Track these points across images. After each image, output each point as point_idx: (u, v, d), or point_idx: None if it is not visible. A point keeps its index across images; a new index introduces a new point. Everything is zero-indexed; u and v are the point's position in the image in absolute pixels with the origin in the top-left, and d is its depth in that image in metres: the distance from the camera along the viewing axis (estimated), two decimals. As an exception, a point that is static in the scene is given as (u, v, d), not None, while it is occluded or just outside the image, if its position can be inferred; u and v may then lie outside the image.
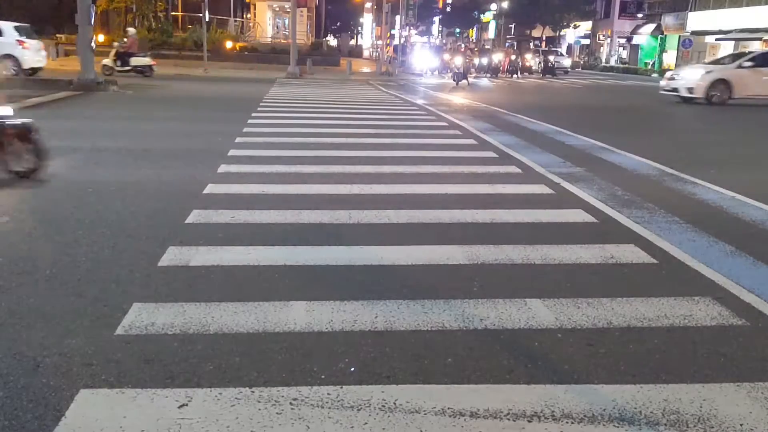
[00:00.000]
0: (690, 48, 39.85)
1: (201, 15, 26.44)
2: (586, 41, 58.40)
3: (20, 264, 4.00)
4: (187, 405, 2.54)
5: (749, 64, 18.44)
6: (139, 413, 2.48)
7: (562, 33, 59.19)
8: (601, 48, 55.70)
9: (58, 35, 33.56)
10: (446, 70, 30.35)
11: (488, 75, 32.86)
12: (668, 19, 45.26)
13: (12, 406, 2.50)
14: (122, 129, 9.85)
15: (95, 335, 3.10)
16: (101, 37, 27.98)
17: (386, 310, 3.50)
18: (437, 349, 3.09)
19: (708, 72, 18.86)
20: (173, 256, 4.24)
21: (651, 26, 48.45)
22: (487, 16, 77.64)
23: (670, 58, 45.58)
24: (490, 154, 8.83)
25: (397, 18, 45.65)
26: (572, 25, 56.24)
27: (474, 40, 76.72)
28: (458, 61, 25.99)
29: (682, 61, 43.09)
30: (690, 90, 18.45)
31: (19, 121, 6.00)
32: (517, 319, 3.45)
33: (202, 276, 3.92)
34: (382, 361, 2.95)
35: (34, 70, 18.46)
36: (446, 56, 32.51)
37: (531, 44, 54.52)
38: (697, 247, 4.87)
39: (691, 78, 18.74)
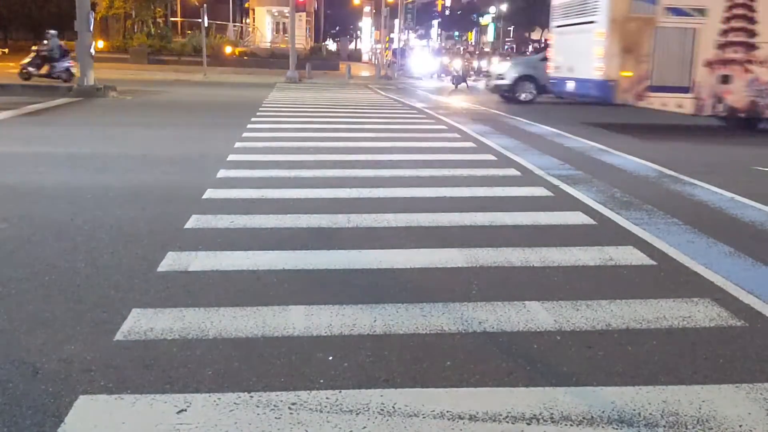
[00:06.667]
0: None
1: (200, 20, 26.50)
2: (585, 43, 58.39)
3: (19, 270, 4.00)
4: (185, 410, 2.55)
5: None
6: (138, 419, 2.48)
7: (561, 35, 59.21)
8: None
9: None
10: (445, 74, 30.39)
11: (488, 77, 32.88)
12: (667, 21, 45.31)
13: (11, 412, 2.50)
14: (121, 134, 9.86)
15: (94, 341, 3.10)
16: (101, 44, 28.06)
17: (385, 313, 3.50)
18: (436, 353, 3.09)
19: (514, 66, 17.58)
20: (172, 261, 4.24)
21: (650, 27, 48.46)
22: (485, 20, 77.69)
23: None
24: (489, 156, 8.84)
25: (396, 22, 45.70)
26: (571, 27, 56.26)
27: (473, 44, 76.77)
28: (457, 64, 26.03)
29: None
30: (498, 87, 17.15)
31: None
32: (515, 322, 3.45)
33: (201, 281, 3.92)
34: (381, 365, 2.95)
35: None
36: (445, 59, 32.55)
37: (530, 47, 54.54)
38: (696, 248, 4.87)
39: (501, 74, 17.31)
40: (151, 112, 13.53)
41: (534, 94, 16.91)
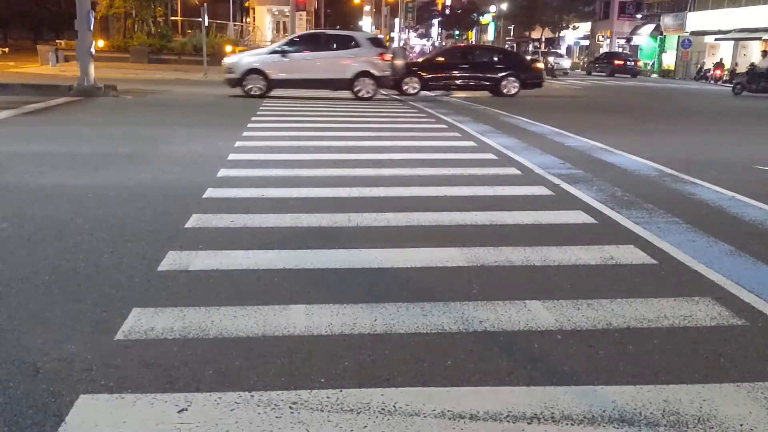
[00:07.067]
0: (689, 48, 39.88)
1: (200, 20, 26.47)
2: (586, 42, 58.44)
3: (19, 270, 4.00)
4: (186, 410, 2.54)
5: (288, 48, 17.02)
6: (139, 418, 2.48)
7: (561, 34, 59.24)
8: (601, 49, 55.72)
9: (58, 41, 33.66)
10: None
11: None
12: (667, 20, 45.28)
13: (12, 412, 2.50)
14: (121, 134, 9.86)
15: (95, 341, 3.10)
16: (101, 43, 28.05)
17: (386, 313, 3.50)
18: (437, 352, 3.09)
19: (242, 60, 17.02)
20: (173, 260, 4.24)
21: (650, 27, 48.47)
22: (486, 18, 77.72)
23: (669, 58, 45.60)
24: (490, 156, 8.83)
25: (396, 21, 45.70)
26: (571, 26, 56.28)
27: (473, 42, 76.70)
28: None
29: (681, 61, 43.19)
30: (229, 81, 16.59)
31: None
32: (516, 321, 3.45)
33: (202, 280, 3.92)
34: (382, 364, 2.95)
35: None
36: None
37: (530, 46, 54.56)
38: (697, 247, 4.87)
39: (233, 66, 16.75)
40: (151, 111, 13.52)
41: (264, 88, 16.65)
